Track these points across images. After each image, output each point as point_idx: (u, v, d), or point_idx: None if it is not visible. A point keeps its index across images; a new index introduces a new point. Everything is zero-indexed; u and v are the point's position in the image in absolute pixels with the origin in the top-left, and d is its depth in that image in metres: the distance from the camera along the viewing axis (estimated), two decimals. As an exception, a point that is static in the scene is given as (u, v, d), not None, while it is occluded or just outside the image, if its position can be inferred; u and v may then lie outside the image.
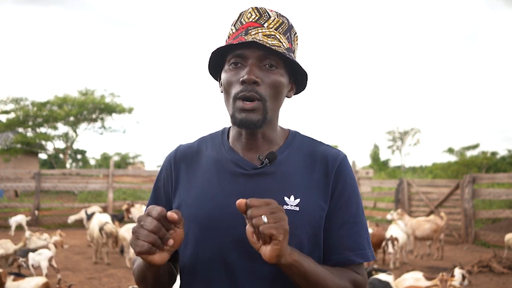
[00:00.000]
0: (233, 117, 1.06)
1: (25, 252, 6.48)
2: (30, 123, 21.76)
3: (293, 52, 1.10)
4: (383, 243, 7.83)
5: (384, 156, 48.20)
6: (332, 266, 1.06)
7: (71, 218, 11.71)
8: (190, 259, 1.09)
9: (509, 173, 12.46)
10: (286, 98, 1.13)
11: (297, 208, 1.04)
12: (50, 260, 6.30)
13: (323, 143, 1.16)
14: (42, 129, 22.40)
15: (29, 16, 52.45)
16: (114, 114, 23.05)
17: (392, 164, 38.09)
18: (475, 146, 28.76)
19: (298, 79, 1.15)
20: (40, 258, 6.26)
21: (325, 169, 1.09)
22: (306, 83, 1.15)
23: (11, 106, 21.58)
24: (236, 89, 1.04)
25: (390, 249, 7.45)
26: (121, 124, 26.88)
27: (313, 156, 1.11)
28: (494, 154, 26.97)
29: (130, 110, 22.75)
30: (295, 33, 1.12)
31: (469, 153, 27.22)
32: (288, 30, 1.09)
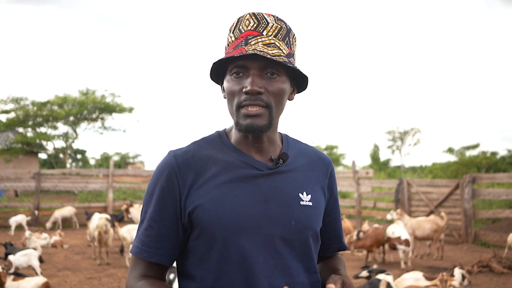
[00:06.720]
0: (237, 124, 1.08)
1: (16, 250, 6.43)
2: (30, 123, 21.70)
3: (293, 55, 1.12)
4: (386, 244, 7.84)
5: (384, 156, 48.16)
6: (331, 253, 1.29)
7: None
8: (215, 262, 1.06)
9: (509, 173, 12.44)
10: (288, 101, 1.17)
11: (311, 203, 1.13)
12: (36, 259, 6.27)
13: (308, 144, 1.27)
14: (42, 129, 22.36)
15: (24, 16, 52.24)
16: (114, 114, 23.03)
17: (392, 164, 38.10)
18: (475, 146, 28.73)
19: (299, 82, 1.18)
20: (30, 258, 6.22)
21: (323, 169, 1.21)
22: (307, 85, 1.18)
23: (11, 106, 21.54)
24: (239, 98, 1.07)
25: (404, 249, 7.49)
26: (121, 124, 26.88)
27: (309, 156, 1.21)
28: (494, 154, 26.92)
29: (130, 110, 22.73)
30: (294, 35, 1.14)
31: (469, 153, 27.15)
32: (286, 34, 1.10)
